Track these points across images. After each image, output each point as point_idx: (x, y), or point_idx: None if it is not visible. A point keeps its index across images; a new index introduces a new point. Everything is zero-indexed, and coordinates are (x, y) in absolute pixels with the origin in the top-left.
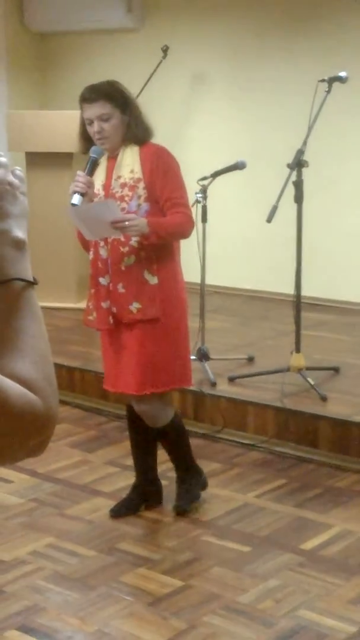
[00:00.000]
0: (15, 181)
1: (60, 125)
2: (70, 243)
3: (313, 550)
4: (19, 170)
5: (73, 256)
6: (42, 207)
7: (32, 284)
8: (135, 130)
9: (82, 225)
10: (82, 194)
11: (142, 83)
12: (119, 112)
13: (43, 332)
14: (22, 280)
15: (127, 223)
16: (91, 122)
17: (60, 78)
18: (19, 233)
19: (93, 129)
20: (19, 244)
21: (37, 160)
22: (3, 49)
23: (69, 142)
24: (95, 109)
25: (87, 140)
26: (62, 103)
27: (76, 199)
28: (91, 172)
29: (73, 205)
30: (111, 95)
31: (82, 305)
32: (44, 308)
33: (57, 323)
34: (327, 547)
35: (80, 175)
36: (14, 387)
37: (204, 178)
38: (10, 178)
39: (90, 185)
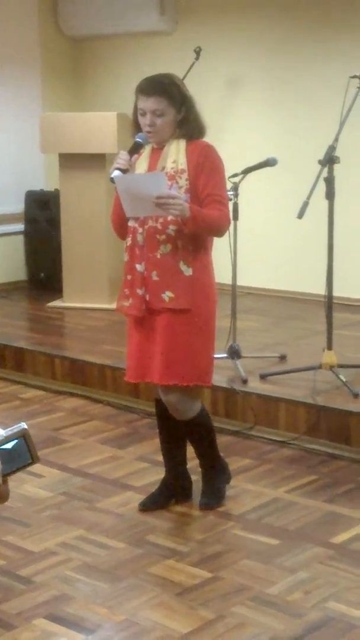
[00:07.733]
0: None
1: (94, 127)
2: (103, 244)
3: (343, 544)
4: None
5: (106, 258)
6: (75, 208)
7: None
8: (188, 128)
9: (125, 197)
10: (123, 171)
11: None
12: (174, 110)
13: None
14: None
15: (171, 201)
16: (144, 114)
17: (94, 81)
18: None
19: (145, 121)
20: None
21: (70, 161)
22: (38, 53)
23: (102, 143)
24: (151, 103)
25: (138, 128)
26: (96, 106)
27: (116, 174)
28: (133, 153)
29: (113, 178)
30: (169, 92)
31: (115, 306)
32: (78, 309)
33: (90, 323)
34: (358, 541)
35: (123, 153)
36: None
37: (235, 175)
38: None
39: (131, 165)
